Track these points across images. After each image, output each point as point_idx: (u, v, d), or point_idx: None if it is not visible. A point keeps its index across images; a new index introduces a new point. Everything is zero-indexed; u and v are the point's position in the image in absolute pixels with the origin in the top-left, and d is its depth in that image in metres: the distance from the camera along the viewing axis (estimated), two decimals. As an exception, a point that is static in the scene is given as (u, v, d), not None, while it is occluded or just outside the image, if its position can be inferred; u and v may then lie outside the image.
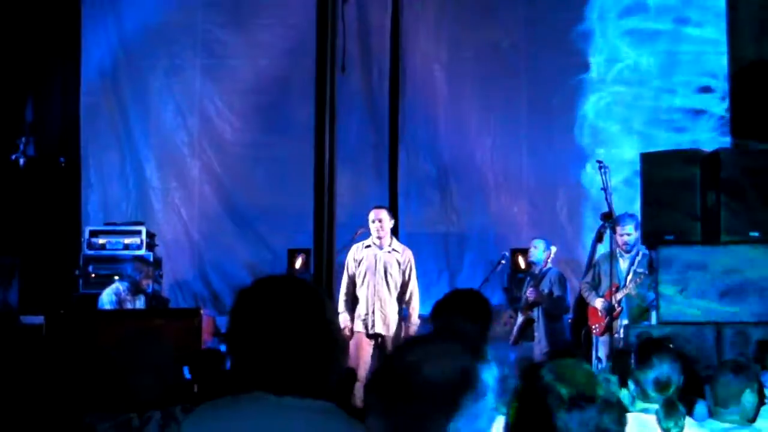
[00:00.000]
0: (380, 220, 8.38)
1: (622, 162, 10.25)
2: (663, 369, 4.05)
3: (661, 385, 4.02)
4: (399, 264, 8.35)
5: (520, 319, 8.90)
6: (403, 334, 8.25)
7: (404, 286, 8.35)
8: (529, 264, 9.25)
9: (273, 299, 2.25)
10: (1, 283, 9.46)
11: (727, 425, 4.14)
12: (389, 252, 8.39)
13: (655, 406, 3.95)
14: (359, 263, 8.34)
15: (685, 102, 10.87)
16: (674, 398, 3.95)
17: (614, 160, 9.60)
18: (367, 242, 8.44)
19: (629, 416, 3.86)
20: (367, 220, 8.52)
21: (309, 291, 2.28)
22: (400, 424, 1.90)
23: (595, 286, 8.54)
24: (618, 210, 8.53)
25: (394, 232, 10.74)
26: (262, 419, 2.17)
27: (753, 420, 4.22)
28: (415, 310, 8.36)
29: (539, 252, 8.94)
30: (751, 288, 7.44)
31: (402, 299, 8.36)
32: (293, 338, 2.19)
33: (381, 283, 8.30)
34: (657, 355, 4.12)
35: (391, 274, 8.31)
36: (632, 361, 4.36)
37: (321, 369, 2.20)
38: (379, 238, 8.37)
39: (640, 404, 4.05)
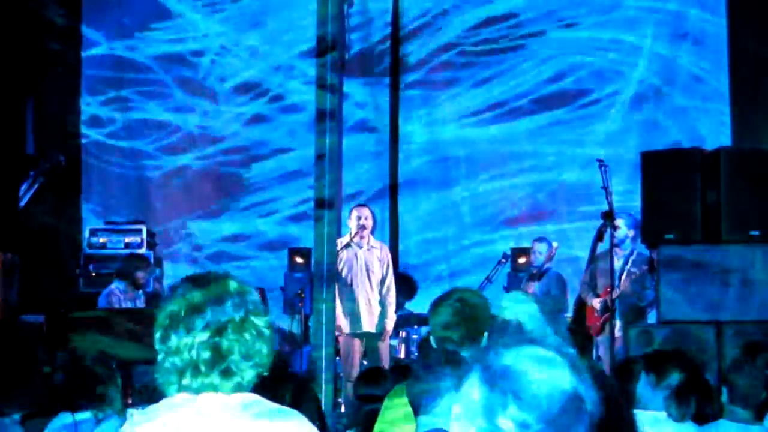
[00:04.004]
0: (366, 218, 8.37)
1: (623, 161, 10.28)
2: None
3: None
4: (380, 261, 8.37)
5: None
6: (384, 330, 8.26)
7: (383, 281, 8.35)
8: (527, 261, 9.21)
9: None
10: (1, 282, 9.46)
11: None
12: (369, 250, 8.39)
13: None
14: (341, 263, 8.31)
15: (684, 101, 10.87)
16: None
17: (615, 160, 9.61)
18: (345, 241, 8.40)
19: None
20: (350, 218, 8.49)
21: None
22: None
23: (593, 286, 8.54)
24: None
25: (395, 231, 10.80)
26: None
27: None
28: (392, 305, 8.38)
29: (543, 258, 8.95)
30: (752, 287, 7.45)
31: (381, 294, 8.36)
32: None
33: (364, 281, 8.31)
34: None
35: (373, 272, 8.33)
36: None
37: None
38: (361, 237, 8.35)
39: None
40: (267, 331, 2.32)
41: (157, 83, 11.44)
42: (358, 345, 8.32)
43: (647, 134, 10.69)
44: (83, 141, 11.26)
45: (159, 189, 11.38)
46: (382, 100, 11.30)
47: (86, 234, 10.32)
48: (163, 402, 2.29)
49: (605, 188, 8.06)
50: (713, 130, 10.47)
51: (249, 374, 2.29)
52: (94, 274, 10.05)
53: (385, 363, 8.17)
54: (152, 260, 9.85)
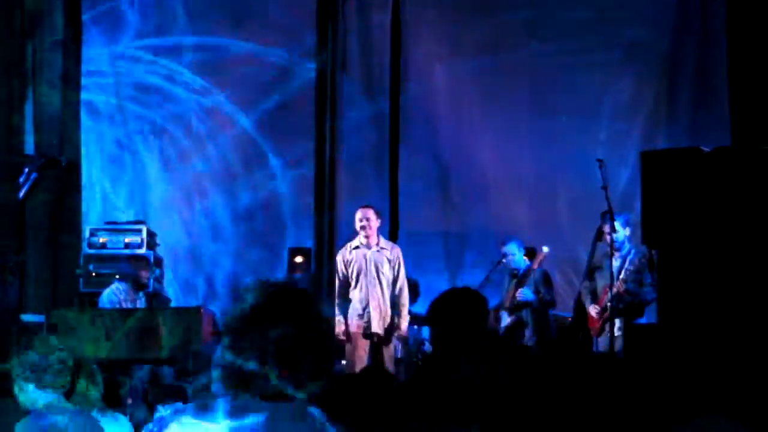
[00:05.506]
0: (368, 219, 8.36)
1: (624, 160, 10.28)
2: None
3: None
4: (389, 261, 8.36)
5: (507, 320, 8.82)
6: (395, 332, 8.28)
7: (394, 282, 8.36)
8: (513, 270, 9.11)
9: None
10: (1, 282, 9.46)
11: None
12: (378, 251, 8.38)
13: None
14: (349, 265, 8.33)
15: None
16: None
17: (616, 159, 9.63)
18: (354, 243, 8.41)
19: None
20: (354, 220, 8.49)
21: None
22: None
23: (593, 290, 8.54)
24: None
25: (395, 230, 10.79)
26: None
27: None
28: (405, 306, 8.38)
29: (518, 257, 8.91)
30: (751, 287, 7.43)
31: (392, 296, 8.36)
32: None
33: (374, 283, 8.30)
34: None
35: (383, 273, 8.32)
36: None
37: None
38: (367, 237, 8.35)
39: None
40: (331, 344, 2.35)
41: (157, 80, 11.47)
42: (365, 345, 8.32)
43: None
44: (83, 139, 11.23)
45: (160, 187, 11.39)
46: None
47: (86, 234, 10.31)
48: (223, 401, 2.28)
49: (605, 188, 8.04)
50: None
51: (315, 385, 2.29)
52: (94, 274, 10.04)
53: (389, 365, 8.18)
54: (152, 260, 9.86)
